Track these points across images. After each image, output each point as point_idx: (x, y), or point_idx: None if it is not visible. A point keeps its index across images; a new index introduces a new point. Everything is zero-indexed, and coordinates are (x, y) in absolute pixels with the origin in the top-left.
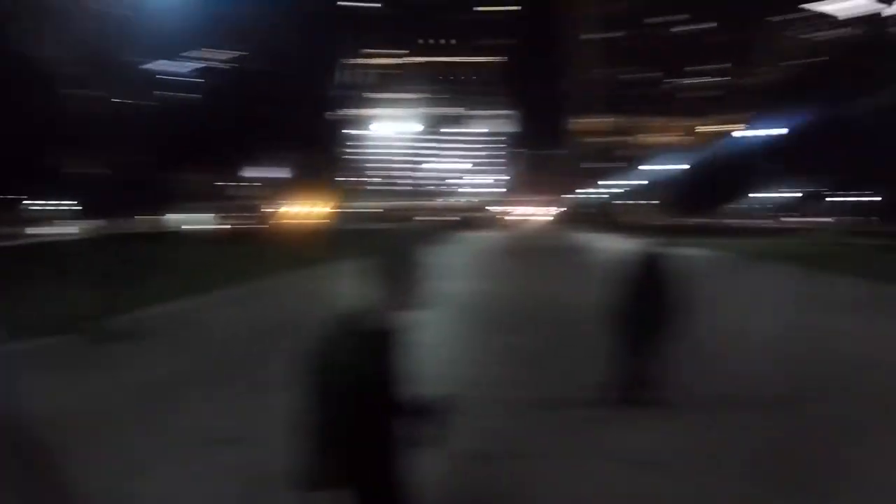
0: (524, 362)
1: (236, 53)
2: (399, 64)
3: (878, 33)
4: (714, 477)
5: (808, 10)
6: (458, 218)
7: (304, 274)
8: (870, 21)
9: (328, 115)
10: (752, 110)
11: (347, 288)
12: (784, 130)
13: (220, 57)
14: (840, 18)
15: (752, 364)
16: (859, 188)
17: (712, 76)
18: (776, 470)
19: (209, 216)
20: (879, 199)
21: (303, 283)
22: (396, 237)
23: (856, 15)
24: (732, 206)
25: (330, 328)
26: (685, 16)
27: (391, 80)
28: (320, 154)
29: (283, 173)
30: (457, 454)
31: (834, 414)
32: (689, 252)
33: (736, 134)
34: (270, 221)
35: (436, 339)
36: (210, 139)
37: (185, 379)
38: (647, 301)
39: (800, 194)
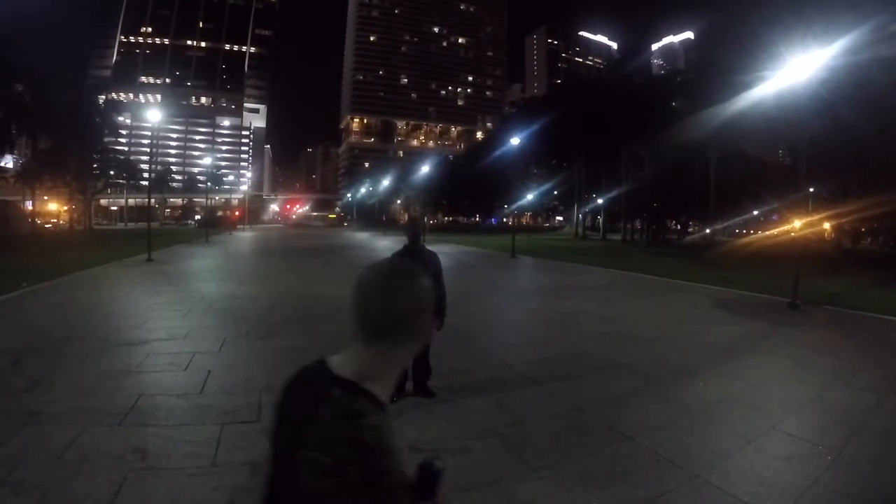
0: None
1: None
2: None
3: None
4: (474, 455)
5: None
6: (199, 217)
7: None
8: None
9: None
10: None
11: None
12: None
13: None
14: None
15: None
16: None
17: (473, 86)
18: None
19: None
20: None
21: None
22: None
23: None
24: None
25: None
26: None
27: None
28: (73, 141)
29: (30, 162)
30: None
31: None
32: (454, 248)
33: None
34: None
35: (214, 347)
36: None
37: None
38: None
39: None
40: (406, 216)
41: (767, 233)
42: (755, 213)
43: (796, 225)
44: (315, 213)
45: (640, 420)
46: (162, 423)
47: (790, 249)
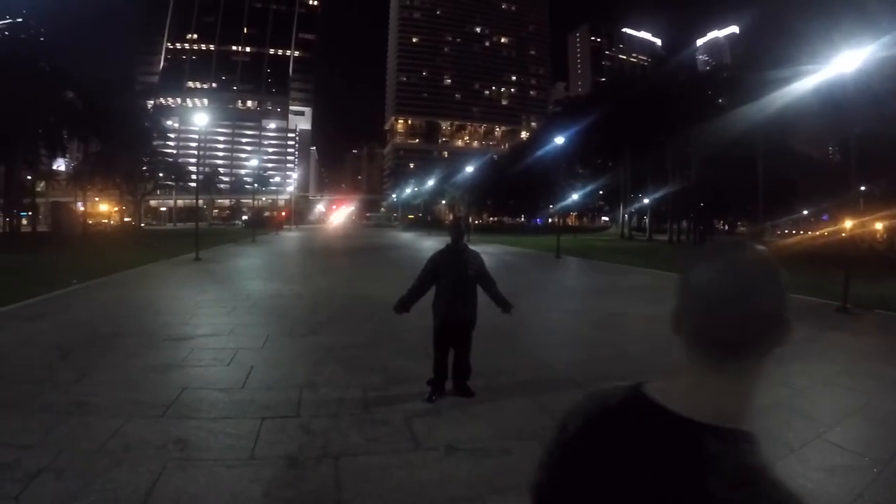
0: (346, 362)
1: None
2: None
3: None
4: (511, 457)
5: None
6: (247, 217)
7: None
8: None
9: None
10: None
11: None
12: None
13: None
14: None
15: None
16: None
17: (516, 86)
18: None
19: None
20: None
21: None
22: None
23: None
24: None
25: None
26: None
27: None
28: (123, 145)
29: (81, 165)
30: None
31: None
32: (498, 248)
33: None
34: (67, 223)
35: (258, 343)
36: None
37: None
38: (454, 291)
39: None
40: (451, 216)
41: (817, 233)
42: (804, 212)
43: (847, 225)
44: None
45: None
46: (204, 415)
47: (840, 250)
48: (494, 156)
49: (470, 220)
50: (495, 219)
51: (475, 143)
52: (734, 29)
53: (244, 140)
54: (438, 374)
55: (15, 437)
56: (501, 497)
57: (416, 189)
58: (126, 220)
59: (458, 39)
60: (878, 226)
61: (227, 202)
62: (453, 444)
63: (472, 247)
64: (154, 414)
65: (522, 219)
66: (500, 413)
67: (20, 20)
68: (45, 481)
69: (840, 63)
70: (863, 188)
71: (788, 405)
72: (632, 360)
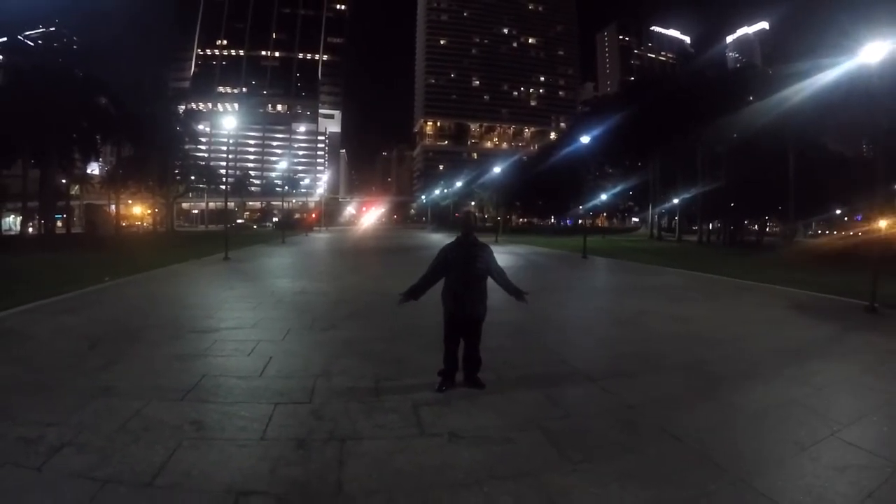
0: (362, 355)
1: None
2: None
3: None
4: (514, 446)
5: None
6: (278, 219)
7: None
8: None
9: (163, 106)
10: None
11: None
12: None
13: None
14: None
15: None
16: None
17: (545, 86)
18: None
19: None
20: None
21: None
22: None
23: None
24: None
25: None
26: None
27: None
28: (155, 149)
29: (114, 169)
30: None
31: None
32: (526, 248)
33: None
34: (100, 224)
35: (279, 336)
36: (24, 127)
37: None
38: (463, 284)
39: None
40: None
41: (850, 232)
42: (838, 212)
43: (881, 225)
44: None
45: (693, 421)
46: (220, 400)
47: (871, 250)
48: (523, 157)
49: (500, 219)
50: (524, 220)
51: (504, 145)
52: (764, 25)
53: (274, 143)
54: (449, 365)
55: (41, 416)
56: (500, 482)
57: (444, 190)
58: (157, 221)
59: (486, 41)
60: None
61: (258, 204)
62: (457, 432)
63: (500, 247)
64: (174, 398)
65: (552, 220)
66: (508, 404)
67: (53, 29)
68: (66, 454)
69: (867, 55)
70: None
71: (804, 404)
72: (647, 357)
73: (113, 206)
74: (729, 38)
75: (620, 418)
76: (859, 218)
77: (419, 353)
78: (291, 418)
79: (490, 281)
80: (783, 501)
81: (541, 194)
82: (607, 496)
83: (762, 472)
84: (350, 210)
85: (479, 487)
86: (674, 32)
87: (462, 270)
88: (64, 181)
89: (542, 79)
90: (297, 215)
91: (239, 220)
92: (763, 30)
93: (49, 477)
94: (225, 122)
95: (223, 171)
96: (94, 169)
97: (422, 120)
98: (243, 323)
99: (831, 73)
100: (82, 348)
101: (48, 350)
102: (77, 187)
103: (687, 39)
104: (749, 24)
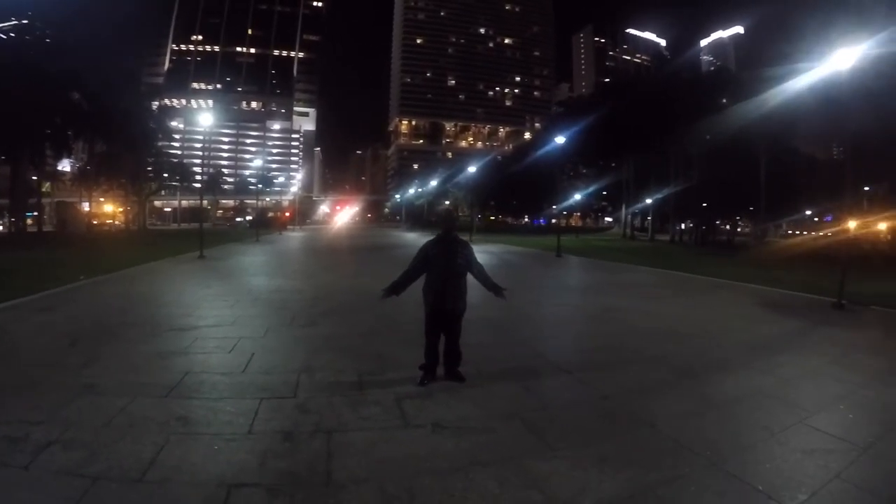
0: (343, 350)
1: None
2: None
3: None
4: (495, 434)
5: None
6: (251, 217)
7: None
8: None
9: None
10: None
11: None
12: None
13: None
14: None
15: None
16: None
17: (520, 87)
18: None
19: None
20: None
21: None
22: None
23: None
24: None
25: None
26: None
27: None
28: (128, 145)
29: (86, 166)
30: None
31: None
32: (500, 247)
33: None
34: (72, 222)
35: (259, 333)
36: None
37: None
38: (443, 279)
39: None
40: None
41: (820, 233)
42: (808, 212)
43: (850, 225)
44: None
45: (665, 409)
46: (205, 396)
47: (839, 249)
48: (498, 156)
49: (472, 218)
50: (498, 218)
51: (479, 144)
52: (738, 29)
53: (248, 141)
54: (430, 359)
55: (25, 415)
56: (482, 469)
57: (419, 189)
58: (129, 219)
59: (462, 40)
60: (882, 226)
61: (231, 203)
62: (440, 423)
63: (474, 245)
64: (158, 394)
65: (526, 219)
66: (488, 396)
67: (26, 22)
68: (53, 452)
69: (837, 61)
70: (866, 188)
71: (772, 394)
72: (620, 350)
73: (85, 204)
74: (703, 42)
75: (596, 408)
76: (829, 219)
77: (399, 349)
78: (277, 412)
79: (469, 277)
80: (755, 482)
81: (515, 194)
82: (587, 479)
83: (733, 456)
84: (324, 209)
85: (465, 474)
86: (649, 35)
87: (443, 266)
88: (35, 178)
89: (518, 79)
90: (270, 214)
91: (217, 221)
92: (737, 34)
93: (37, 475)
94: (200, 119)
95: (197, 169)
96: (65, 166)
97: (397, 119)
98: (222, 320)
99: (803, 77)
100: (63, 346)
101: (28, 348)
102: (48, 185)
103: (662, 42)
104: (724, 28)
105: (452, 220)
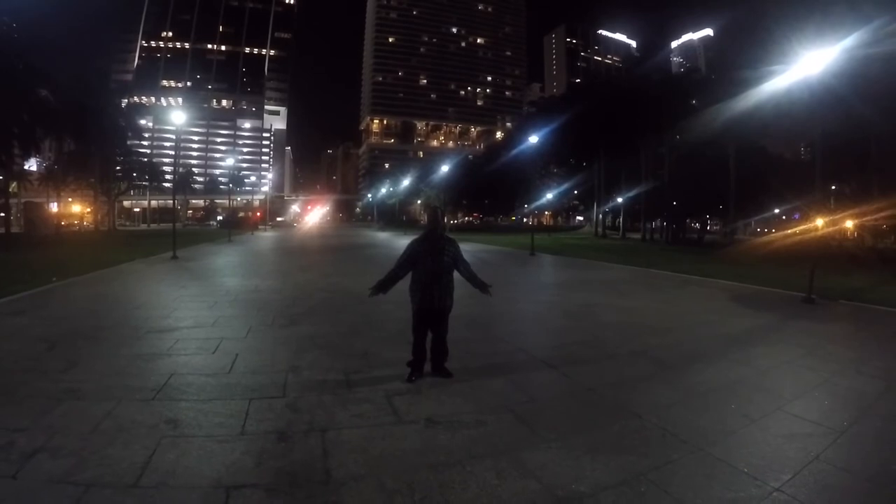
0: (327, 349)
1: None
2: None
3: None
4: (488, 427)
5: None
6: (221, 218)
7: None
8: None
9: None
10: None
11: None
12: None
13: None
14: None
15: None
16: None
17: (492, 86)
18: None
19: None
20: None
21: None
22: None
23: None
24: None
25: None
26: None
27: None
28: (97, 144)
29: (54, 165)
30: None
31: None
32: (474, 246)
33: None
34: (39, 223)
35: (241, 333)
36: None
37: None
38: (431, 277)
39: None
40: (435, 210)
41: (789, 231)
42: (777, 211)
43: (819, 223)
44: None
45: (649, 400)
46: (193, 398)
47: (808, 246)
48: (470, 156)
49: (446, 219)
50: (470, 217)
51: (450, 144)
52: (708, 31)
53: (219, 140)
54: (417, 356)
55: (7, 422)
56: (479, 461)
57: (391, 189)
58: (98, 220)
59: (435, 40)
60: (849, 224)
61: (201, 203)
62: (433, 418)
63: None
64: (145, 397)
65: (498, 218)
66: (476, 391)
67: None
68: (41, 460)
69: (806, 64)
70: (833, 187)
71: (750, 383)
72: (600, 345)
73: (53, 205)
74: (674, 44)
75: (583, 399)
76: (797, 216)
77: (382, 346)
78: (268, 412)
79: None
80: (740, 465)
81: (487, 193)
82: (581, 467)
83: (718, 441)
84: (295, 209)
85: (462, 466)
86: (620, 37)
87: (430, 264)
88: (1, 178)
89: (490, 79)
90: (241, 214)
91: (187, 221)
92: (707, 36)
93: (26, 484)
94: (171, 117)
95: (167, 168)
96: (32, 165)
97: (368, 118)
98: (202, 322)
99: (770, 78)
100: (40, 350)
101: (3, 353)
102: (15, 185)
103: (633, 44)
104: (694, 31)
105: (438, 218)
